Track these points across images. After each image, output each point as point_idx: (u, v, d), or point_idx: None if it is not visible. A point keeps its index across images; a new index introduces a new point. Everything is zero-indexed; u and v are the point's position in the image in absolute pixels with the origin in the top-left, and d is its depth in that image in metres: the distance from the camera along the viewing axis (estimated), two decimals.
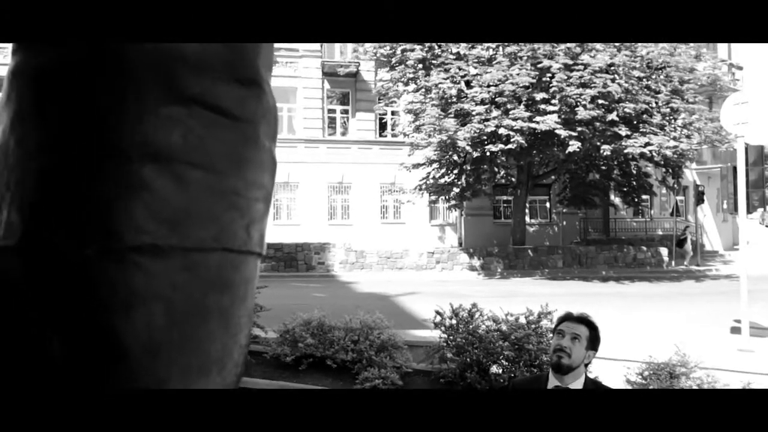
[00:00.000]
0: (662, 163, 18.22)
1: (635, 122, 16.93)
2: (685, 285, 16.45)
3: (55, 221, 0.67)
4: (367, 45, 19.15)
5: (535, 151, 17.12)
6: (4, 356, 0.69)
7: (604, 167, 18.96)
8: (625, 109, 16.17)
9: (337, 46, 22.54)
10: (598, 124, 16.00)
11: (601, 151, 16.58)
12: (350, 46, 21.47)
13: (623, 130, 16.20)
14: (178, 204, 0.69)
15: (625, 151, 16.45)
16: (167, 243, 0.68)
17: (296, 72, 22.12)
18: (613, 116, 15.90)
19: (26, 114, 0.72)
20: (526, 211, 21.34)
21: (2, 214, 0.70)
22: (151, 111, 0.69)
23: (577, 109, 15.75)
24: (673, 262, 20.74)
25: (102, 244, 0.67)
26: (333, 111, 23.29)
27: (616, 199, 21.91)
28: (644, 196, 21.37)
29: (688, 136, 17.98)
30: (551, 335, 3.27)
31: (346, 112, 23.37)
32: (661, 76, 17.89)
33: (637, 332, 8.09)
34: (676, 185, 20.44)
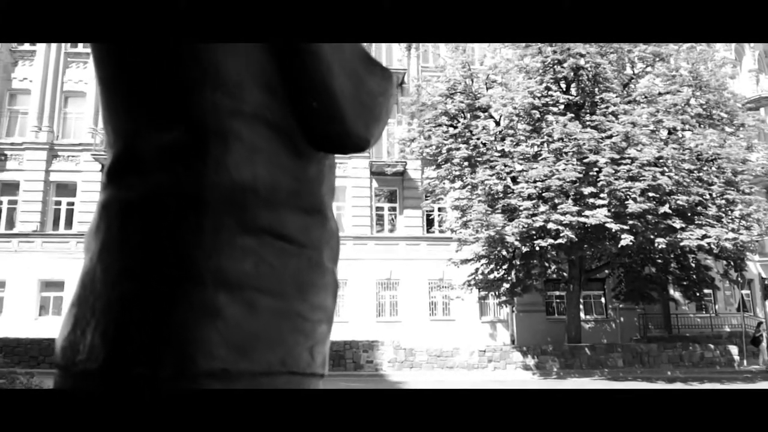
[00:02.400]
0: (722, 255, 17.53)
1: (689, 214, 16.54)
2: (762, 387, 15.23)
3: (134, 347, 0.71)
4: (414, 145, 19.77)
5: (586, 246, 16.82)
6: None
7: (660, 261, 18.37)
8: (678, 202, 15.87)
9: (385, 146, 23.37)
10: (650, 217, 15.71)
11: (656, 245, 16.14)
12: (397, 146, 22.21)
13: (677, 223, 15.82)
14: (249, 329, 0.73)
15: (681, 243, 15.96)
16: (237, 368, 0.71)
17: (345, 172, 22.91)
18: (665, 209, 15.61)
19: (112, 244, 0.79)
20: (581, 306, 20.63)
21: (86, 338, 0.75)
22: (226, 242, 0.75)
23: (627, 202, 15.57)
24: (745, 361, 19.34)
25: (176, 368, 0.70)
26: (381, 208, 23.76)
27: (676, 294, 20.97)
28: (706, 291, 20.39)
29: (747, 228, 17.37)
30: None
31: (393, 209, 23.79)
32: (713, 168, 17.64)
33: None
34: (739, 278, 19.49)
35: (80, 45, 23.03)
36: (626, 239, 15.31)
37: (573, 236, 15.60)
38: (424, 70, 24.33)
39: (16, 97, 22.79)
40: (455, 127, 18.40)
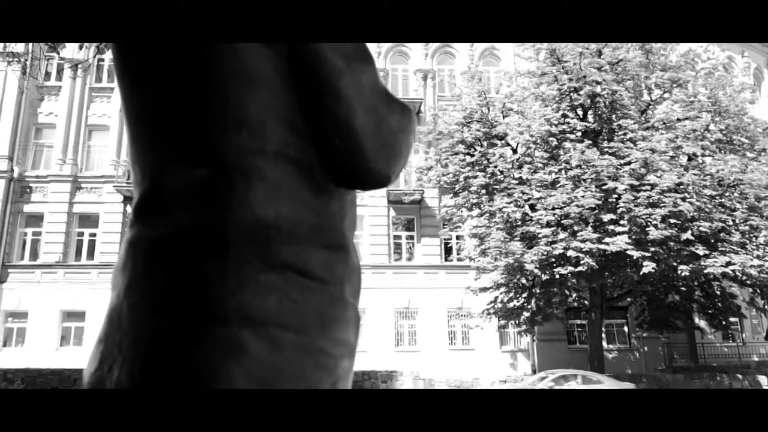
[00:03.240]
0: (748, 283, 17.15)
1: (713, 241, 16.27)
2: None
3: (159, 384, 0.72)
4: (431, 173, 19.83)
5: (607, 273, 16.59)
6: None
7: (684, 288, 18.03)
8: (701, 228, 15.64)
9: (402, 175, 23.48)
10: (672, 243, 15.48)
11: (679, 272, 15.87)
12: (414, 174, 22.28)
13: (701, 250, 15.55)
14: (272, 366, 0.73)
15: (705, 271, 15.68)
16: None
17: (362, 201, 23.01)
18: (687, 235, 15.38)
19: (139, 281, 0.80)
20: (603, 335, 20.24)
21: (113, 374, 0.75)
22: (250, 279, 0.75)
23: (648, 229, 15.37)
24: None
25: None
26: (398, 237, 23.75)
27: (701, 323, 20.51)
28: (732, 319, 19.93)
29: None
30: None
31: (411, 237, 23.76)
32: (735, 194, 17.39)
33: None
34: (766, 306, 19.03)
35: (104, 80, 23.69)
36: (648, 267, 15.08)
37: (593, 264, 15.41)
38: (440, 99, 24.55)
39: (42, 131, 23.40)
40: (472, 155, 18.45)
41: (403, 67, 25.34)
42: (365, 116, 0.82)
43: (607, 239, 15.36)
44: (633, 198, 15.46)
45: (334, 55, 0.80)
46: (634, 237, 15.41)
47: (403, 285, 22.30)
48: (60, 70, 23.22)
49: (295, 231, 0.80)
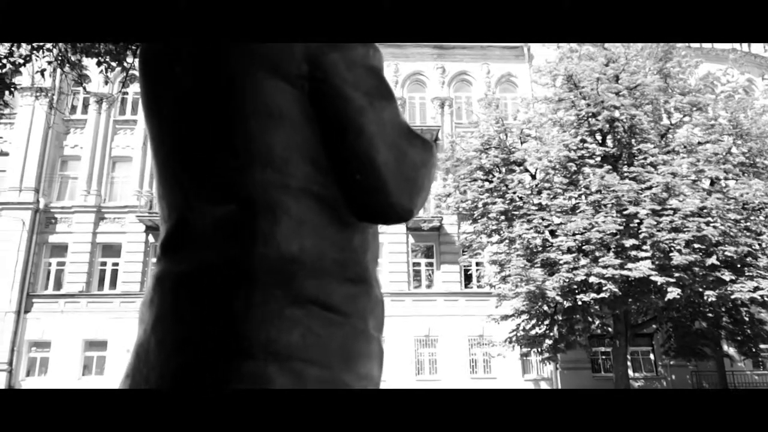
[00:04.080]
0: None
1: (739, 266, 15.92)
2: None
3: None
4: (449, 200, 19.81)
5: (630, 300, 16.28)
6: None
7: (710, 315, 17.59)
8: (726, 253, 15.33)
9: None
10: (697, 269, 15.18)
11: (705, 298, 15.51)
12: (433, 201, 22.27)
13: (727, 275, 15.22)
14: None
15: (733, 296, 15.31)
16: None
17: (381, 228, 22.87)
18: (713, 260, 15.08)
19: (166, 316, 0.81)
20: (628, 363, 19.78)
21: None
22: (275, 314, 0.76)
23: (671, 254, 15.12)
24: None
25: None
26: (418, 264, 23.65)
27: (729, 350, 19.95)
28: (762, 346, 19.34)
29: None
30: None
31: (430, 264, 23.65)
32: (761, 217, 17.07)
33: None
34: None
35: (128, 113, 24.26)
36: (673, 292, 14.78)
37: (616, 290, 15.15)
38: (457, 126, 24.66)
39: (68, 163, 23.94)
40: (491, 182, 18.41)
41: (420, 95, 25.57)
42: (387, 152, 0.83)
43: (629, 265, 15.12)
44: (655, 223, 15.25)
45: (356, 92, 0.82)
46: (657, 262, 15.15)
47: (423, 312, 22.12)
48: (86, 104, 23.84)
49: (318, 265, 0.80)
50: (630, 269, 15.01)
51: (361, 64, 0.83)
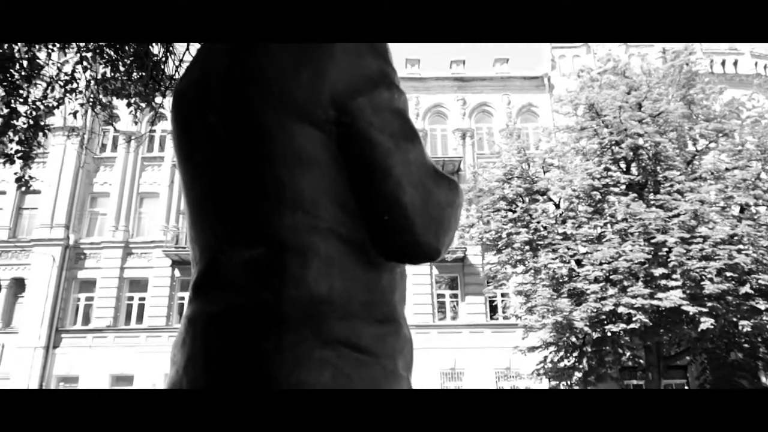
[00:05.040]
0: None
1: None
2: None
3: None
4: (473, 230, 19.72)
5: (662, 330, 15.87)
6: None
7: (746, 345, 17.04)
8: (760, 281, 14.92)
9: None
10: (730, 298, 14.77)
11: (740, 328, 15.05)
12: (457, 232, 22.12)
13: (761, 304, 14.77)
14: None
15: None
16: None
17: None
18: (746, 289, 14.67)
19: (197, 357, 0.82)
20: None
21: None
22: (305, 355, 0.77)
23: (703, 283, 14.76)
24: None
25: None
26: (442, 296, 23.46)
27: None
28: None
29: None
30: None
31: (455, 296, 23.43)
32: None
33: None
34: None
35: (155, 150, 24.84)
36: (706, 323, 14.37)
37: (647, 320, 14.79)
38: (479, 156, 24.70)
39: (97, 200, 24.51)
40: (514, 212, 18.31)
41: (442, 126, 25.75)
42: (414, 192, 0.84)
43: (659, 294, 14.79)
44: (684, 251, 14.94)
45: (382, 135, 0.83)
46: (688, 292, 14.79)
47: (449, 345, 21.83)
48: (115, 143, 24.51)
49: (347, 306, 0.81)
50: (660, 299, 14.67)
51: (386, 108, 0.84)
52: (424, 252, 0.87)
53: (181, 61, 5.57)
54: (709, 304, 14.57)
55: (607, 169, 17.28)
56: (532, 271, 17.69)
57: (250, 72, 0.84)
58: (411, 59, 26.71)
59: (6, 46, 5.06)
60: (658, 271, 15.09)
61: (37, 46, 5.30)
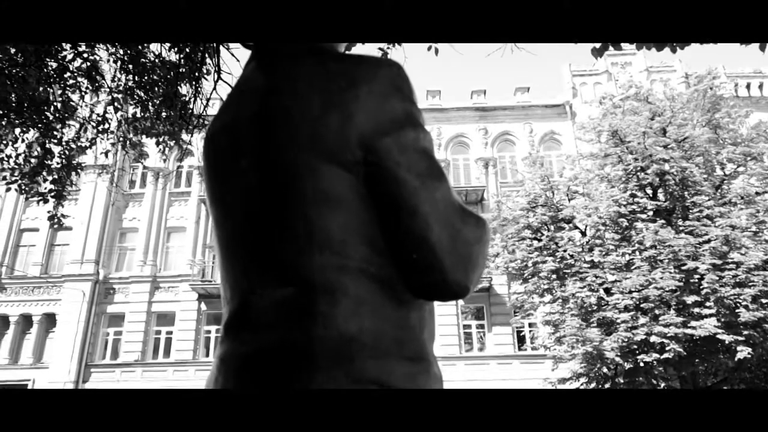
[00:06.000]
0: None
1: None
2: None
3: None
4: (498, 260, 19.53)
5: (697, 360, 15.39)
6: None
7: None
8: None
9: None
10: (767, 325, 14.30)
11: None
12: None
13: None
14: None
15: None
16: None
17: None
18: None
19: None
20: None
21: None
22: None
23: (738, 310, 14.33)
24: None
25: None
26: (468, 326, 23.16)
27: None
28: None
29: None
30: None
31: (481, 326, 23.12)
32: None
33: None
34: None
35: (182, 185, 25.33)
36: (743, 351, 13.91)
37: (681, 350, 14.37)
38: (502, 185, 24.63)
39: (126, 235, 24.98)
40: (539, 240, 18.12)
41: (464, 156, 25.80)
42: (441, 230, 0.84)
43: (693, 323, 14.38)
44: (717, 278, 14.56)
45: (409, 174, 0.85)
46: (723, 320, 14.36)
47: (476, 377, 21.43)
48: (144, 179, 25.08)
49: (378, 345, 0.81)
50: (694, 327, 14.27)
51: (412, 147, 0.86)
52: (453, 290, 0.87)
53: (208, 99, 5.73)
54: (746, 332, 14.12)
55: (633, 196, 17.06)
56: (560, 300, 17.39)
57: (279, 116, 0.86)
58: (432, 90, 26.98)
59: (41, 89, 5.27)
60: (690, 299, 14.71)
61: (70, 89, 5.51)
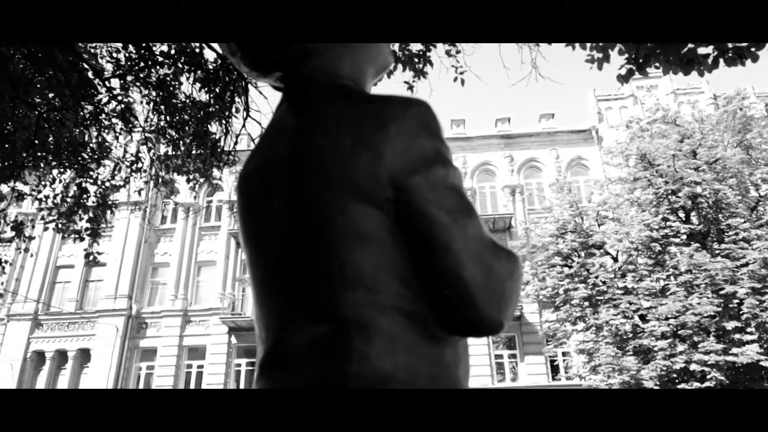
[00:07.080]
0: None
1: None
2: None
3: None
4: (528, 288, 19.24)
5: (741, 389, 14.81)
6: None
7: None
8: None
9: None
10: None
11: None
12: None
13: None
14: None
15: None
16: None
17: None
18: None
19: None
20: None
21: None
22: None
23: None
24: None
25: None
26: (500, 356, 22.75)
27: None
28: None
29: None
30: None
31: (513, 356, 22.68)
32: None
33: None
34: None
35: (212, 219, 25.75)
36: None
37: (723, 378, 13.86)
38: (530, 212, 24.42)
39: (158, 270, 25.39)
40: (570, 267, 17.83)
41: (491, 184, 25.73)
42: (473, 267, 0.85)
43: (734, 350, 13.89)
44: (757, 302, 14.09)
45: (440, 211, 0.85)
46: (766, 346, 13.85)
47: None
48: (174, 214, 25.57)
49: (412, 382, 0.81)
50: (736, 354, 13.78)
51: (442, 184, 0.87)
52: (487, 326, 0.87)
53: (237, 136, 5.87)
54: None
55: (665, 219, 16.74)
56: (594, 328, 16.99)
57: (309, 156, 0.89)
58: (456, 120, 27.13)
59: (78, 131, 5.46)
60: (730, 325, 14.24)
61: (105, 130, 5.71)
